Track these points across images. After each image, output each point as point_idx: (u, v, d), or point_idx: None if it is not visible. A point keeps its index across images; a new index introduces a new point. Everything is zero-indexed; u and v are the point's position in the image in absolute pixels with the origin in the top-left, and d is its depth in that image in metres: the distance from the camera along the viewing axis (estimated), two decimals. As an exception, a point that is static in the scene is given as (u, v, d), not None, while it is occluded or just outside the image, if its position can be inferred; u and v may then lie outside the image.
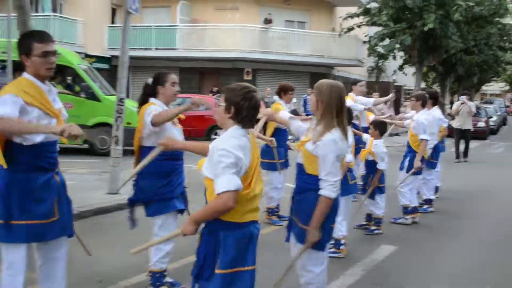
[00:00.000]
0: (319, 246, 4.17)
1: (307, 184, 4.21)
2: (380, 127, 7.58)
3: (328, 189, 4.04)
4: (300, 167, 4.31)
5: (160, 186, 4.88)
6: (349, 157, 6.18)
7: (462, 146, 17.08)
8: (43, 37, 3.95)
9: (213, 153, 3.23)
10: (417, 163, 7.93)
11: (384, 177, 7.51)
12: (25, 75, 3.93)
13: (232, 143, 3.21)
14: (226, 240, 3.31)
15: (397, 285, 5.72)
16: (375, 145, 7.44)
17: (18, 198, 3.79)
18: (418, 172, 8.17)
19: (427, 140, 8.03)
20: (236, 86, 3.38)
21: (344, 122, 4.16)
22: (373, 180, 7.41)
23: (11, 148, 3.77)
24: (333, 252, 6.25)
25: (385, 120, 8.96)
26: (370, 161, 7.50)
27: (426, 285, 5.79)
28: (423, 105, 8.26)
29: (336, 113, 4.10)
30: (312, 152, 4.12)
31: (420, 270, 6.25)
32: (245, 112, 3.30)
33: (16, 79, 4.05)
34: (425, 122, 8.02)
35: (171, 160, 4.95)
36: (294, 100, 22.70)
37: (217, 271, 3.30)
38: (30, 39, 3.91)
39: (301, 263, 4.32)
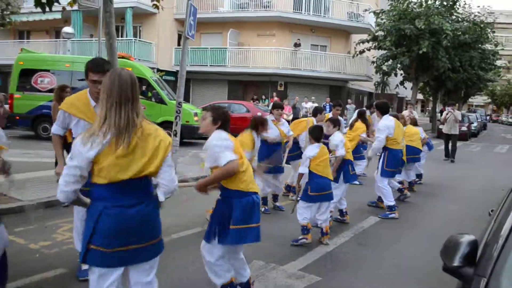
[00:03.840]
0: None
1: None
2: (313, 133, 5.65)
3: None
4: None
5: None
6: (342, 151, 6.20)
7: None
8: (94, 67, 3.71)
9: (208, 149, 3.45)
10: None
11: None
12: (88, 91, 3.87)
13: (219, 137, 3.45)
14: (237, 204, 3.50)
15: (377, 245, 5.86)
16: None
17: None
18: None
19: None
20: (218, 107, 3.65)
21: None
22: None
23: None
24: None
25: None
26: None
27: (401, 244, 5.93)
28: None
29: None
30: None
31: (397, 235, 6.39)
32: (226, 123, 3.57)
33: (80, 91, 3.99)
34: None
35: None
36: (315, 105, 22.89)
37: (231, 227, 3.47)
38: (87, 66, 3.74)
39: None
